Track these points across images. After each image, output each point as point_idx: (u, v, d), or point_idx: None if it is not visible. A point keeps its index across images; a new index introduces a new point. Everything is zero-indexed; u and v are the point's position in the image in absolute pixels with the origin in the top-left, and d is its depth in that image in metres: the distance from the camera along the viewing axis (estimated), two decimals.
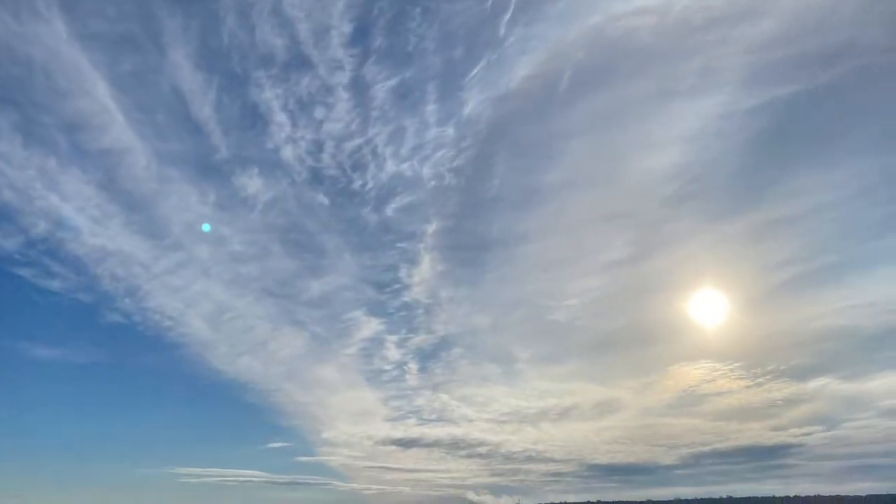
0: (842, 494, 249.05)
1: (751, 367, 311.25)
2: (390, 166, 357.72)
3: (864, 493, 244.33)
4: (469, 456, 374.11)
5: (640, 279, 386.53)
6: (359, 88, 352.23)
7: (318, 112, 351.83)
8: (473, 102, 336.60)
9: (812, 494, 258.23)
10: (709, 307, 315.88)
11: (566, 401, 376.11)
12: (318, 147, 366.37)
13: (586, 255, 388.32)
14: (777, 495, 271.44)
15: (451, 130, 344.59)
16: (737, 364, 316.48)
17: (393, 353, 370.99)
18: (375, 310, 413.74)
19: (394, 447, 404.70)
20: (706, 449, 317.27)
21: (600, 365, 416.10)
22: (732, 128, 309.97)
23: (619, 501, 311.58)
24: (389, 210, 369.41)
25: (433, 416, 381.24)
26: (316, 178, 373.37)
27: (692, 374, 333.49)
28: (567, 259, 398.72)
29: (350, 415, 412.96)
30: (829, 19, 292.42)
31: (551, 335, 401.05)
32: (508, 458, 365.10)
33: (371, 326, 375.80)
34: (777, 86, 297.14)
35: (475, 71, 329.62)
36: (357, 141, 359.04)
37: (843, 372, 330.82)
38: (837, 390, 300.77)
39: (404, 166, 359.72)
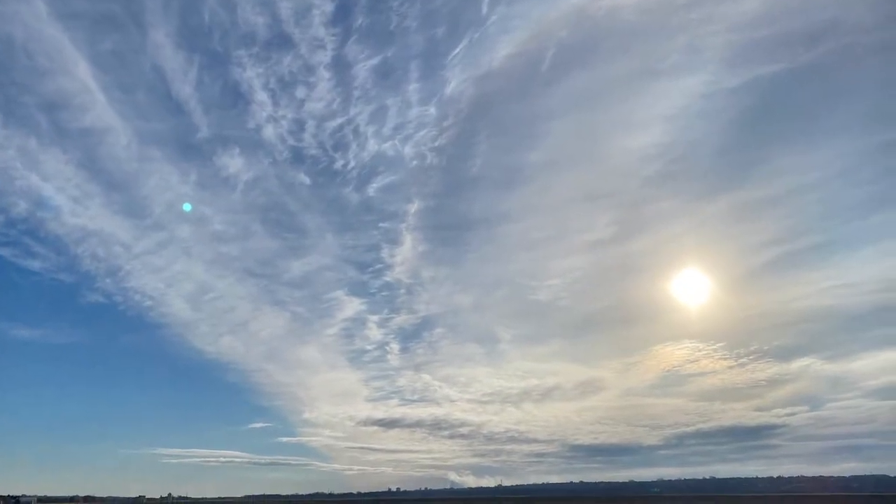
0: (826, 475, 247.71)
1: (734, 348, 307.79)
2: (372, 146, 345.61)
3: (848, 474, 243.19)
4: (451, 437, 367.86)
5: (623, 259, 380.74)
6: (340, 67, 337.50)
7: (300, 91, 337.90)
8: (455, 81, 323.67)
9: (796, 475, 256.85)
10: (692, 287, 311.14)
11: (549, 381, 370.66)
12: (299, 126, 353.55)
13: (569, 234, 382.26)
14: (760, 476, 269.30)
15: (433, 110, 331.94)
16: (720, 344, 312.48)
17: (374, 333, 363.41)
18: (357, 290, 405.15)
19: (375, 428, 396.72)
20: (689, 429, 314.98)
21: (583, 345, 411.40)
22: (715, 107, 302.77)
23: (602, 482, 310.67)
24: (371, 190, 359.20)
25: (415, 397, 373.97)
26: (297, 157, 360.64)
27: (675, 354, 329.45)
28: (549, 239, 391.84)
29: (331, 395, 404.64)
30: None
31: (534, 315, 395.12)
32: (490, 438, 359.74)
33: (352, 306, 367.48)
34: (760, 65, 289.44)
35: (457, 50, 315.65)
36: (338, 120, 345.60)
37: (827, 352, 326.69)
38: (821, 370, 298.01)
39: (386, 146, 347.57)
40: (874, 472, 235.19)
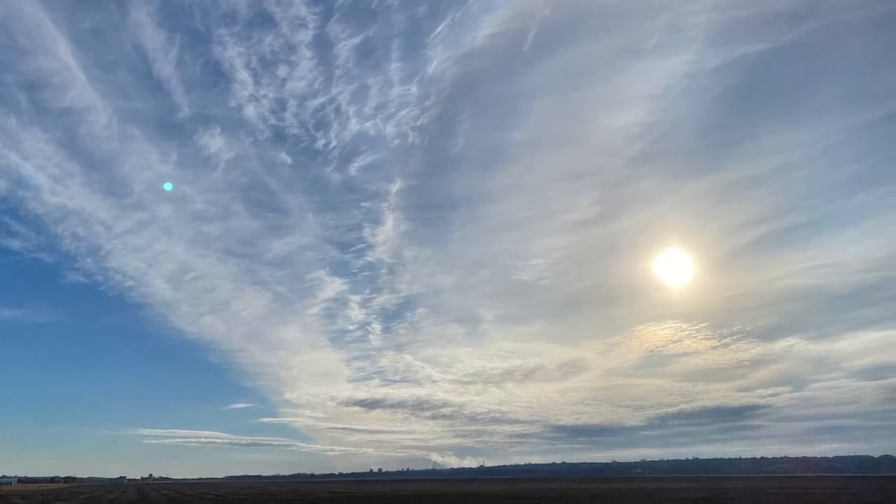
0: (809, 455, 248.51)
1: (717, 328, 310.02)
2: (354, 125, 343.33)
3: (831, 455, 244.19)
4: (433, 417, 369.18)
5: (606, 239, 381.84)
6: (322, 46, 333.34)
7: (281, 70, 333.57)
8: (438, 60, 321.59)
9: (779, 456, 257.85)
10: (675, 267, 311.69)
11: (531, 361, 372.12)
12: (280, 105, 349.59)
13: (552, 214, 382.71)
14: (744, 456, 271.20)
15: (414, 89, 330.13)
16: (703, 324, 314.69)
17: (356, 313, 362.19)
18: (339, 269, 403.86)
19: (357, 408, 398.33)
20: (672, 410, 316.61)
21: (566, 325, 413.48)
22: (699, 86, 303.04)
23: (585, 463, 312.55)
24: (353, 169, 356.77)
25: (397, 377, 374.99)
26: (279, 136, 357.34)
27: (658, 334, 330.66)
28: (532, 218, 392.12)
29: (313, 375, 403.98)
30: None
31: (516, 295, 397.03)
32: (472, 419, 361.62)
33: (334, 286, 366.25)
34: (744, 44, 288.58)
35: (439, 29, 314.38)
36: (320, 99, 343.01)
37: (811, 332, 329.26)
38: (805, 351, 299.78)
39: (368, 125, 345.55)
40: (857, 453, 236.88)
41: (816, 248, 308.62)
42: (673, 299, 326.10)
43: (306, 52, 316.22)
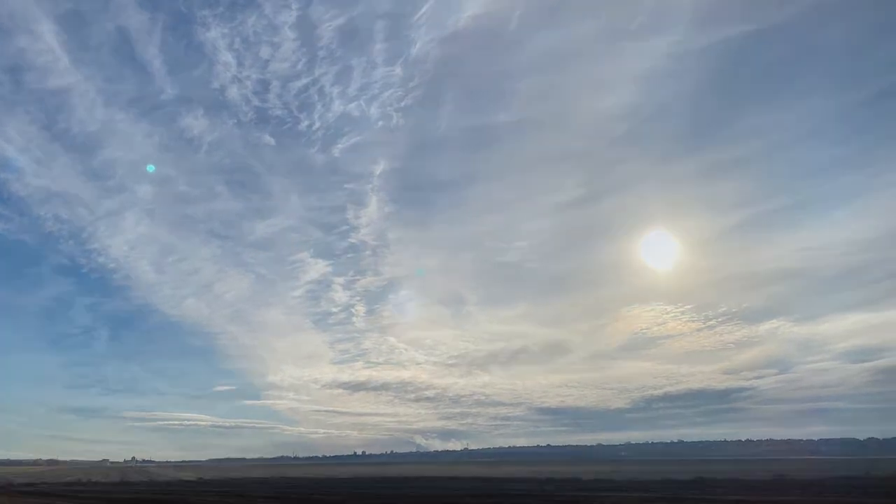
0: (794, 438, 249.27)
1: (702, 310, 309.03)
2: (337, 106, 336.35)
3: (816, 437, 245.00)
4: (417, 399, 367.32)
5: (591, 220, 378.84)
6: (305, 27, 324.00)
7: (264, 51, 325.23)
8: (421, 42, 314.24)
9: (765, 438, 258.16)
10: (660, 249, 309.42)
11: (515, 343, 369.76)
12: (263, 87, 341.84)
13: (537, 196, 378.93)
14: (729, 439, 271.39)
15: (398, 70, 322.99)
16: (688, 306, 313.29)
17: (340, 295, 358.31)
18: (322, 251, 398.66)
19: (341, 391, 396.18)
20: (657, 392, 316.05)
21: (550, 307, 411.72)
22: (684, 68, 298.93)
23: (569, 445, 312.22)
24: (336, 150, 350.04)
25: (381, 360, 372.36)
26: (262, 118, 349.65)
27: (643, 316, 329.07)
28: (517, 200, 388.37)
29: (296, 358, 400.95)
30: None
31: (501, 277, 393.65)
32: (456, 401, 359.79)
33: (318, 268, 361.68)
34: (728, 25, 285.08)
35: (423, 10, 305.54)
36: (303, 81, 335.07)
37: (796, 314, 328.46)
38: (790, 333, 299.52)
39: (351, 106, 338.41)
40: (843, 436, 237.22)
41: (802, 230, 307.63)
42: (658, 281, 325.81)
43: (289, 34, 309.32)
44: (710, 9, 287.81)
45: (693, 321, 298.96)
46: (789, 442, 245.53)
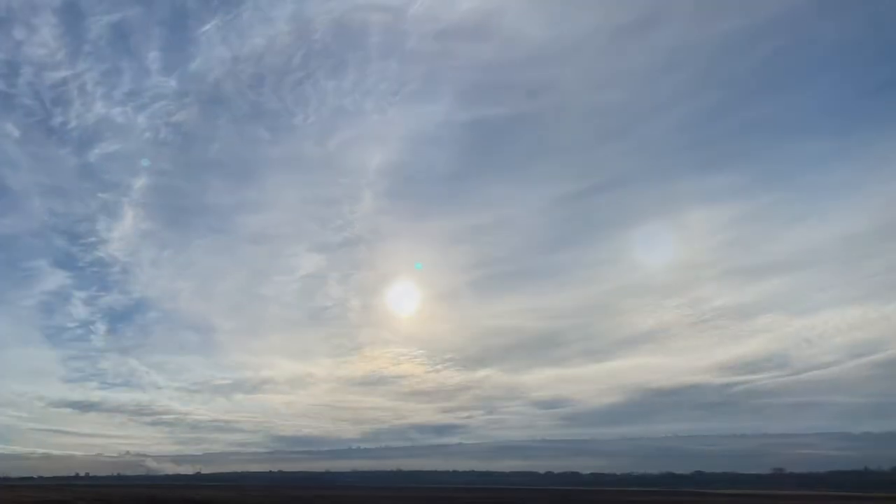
0: (493, 470, 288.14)
1: (432, 355, 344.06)
2: (99, 108, 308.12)
3: (508, 470, 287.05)
4: (154, 423, 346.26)
5: (349, 264, 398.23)
6: (71, 15, 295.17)
7: (18, 31, 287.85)
8: (203, 58, 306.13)
9: (469, 469, 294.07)
10: (405, 297, 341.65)
11: (263, 374, 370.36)
12: (12, 70, 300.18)
13: (301, 234, 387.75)
14: (440, 469, 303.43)
15: (173, 82, 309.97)
16: (421, 351, 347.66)
17: (79, 310, 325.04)
18: (63, 261, 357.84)
19: (69, 410, 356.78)
20: (385, 426, 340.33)
21: (301, 341, 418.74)
22: (447, 136, 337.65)
23: (301, 472, 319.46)
24: (93, 155, 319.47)
25: (118, 381, 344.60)
26: (6, 104, 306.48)
27: (383, 356, 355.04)
28: (281, 235, 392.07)
29: (20, 373, 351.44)
30: (538, 55, 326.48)
31: (256, 309, 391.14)
32: (195, 427, 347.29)
33: (56, 279, 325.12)
34: (488, 106, 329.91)
35: (208, 27, 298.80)
36: (62, 73, 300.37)
37: (506, 365, 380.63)
38: (499, 381, 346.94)
39: (116, 111, 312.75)
40: (530, 469, 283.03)
41: (519, 294, 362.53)
42: (400, 326, 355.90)
43: (51, 18, 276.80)
44: (472, 88, 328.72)
45: (423, 364, 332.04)
46: (488, 473, 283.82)
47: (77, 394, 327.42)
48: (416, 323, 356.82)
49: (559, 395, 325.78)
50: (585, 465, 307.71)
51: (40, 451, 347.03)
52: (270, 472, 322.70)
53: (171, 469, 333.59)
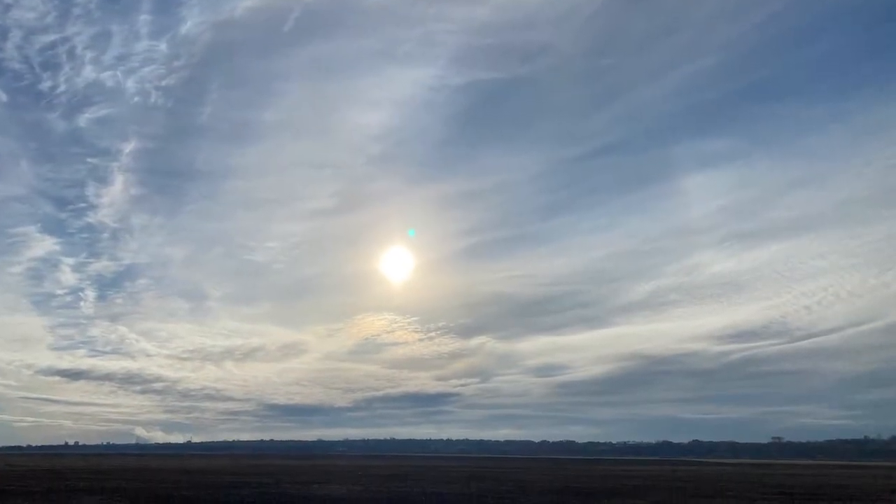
0: (486, 439, 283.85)
1: (425, 322, 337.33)
2: (89, 72, 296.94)
3: (503, 439, 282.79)
4: (143, 392, 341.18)
5: (341, 230, 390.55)
6: None
7: None
8: (193, 22, 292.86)
9: (462, 438, 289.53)
10: (397, 264, 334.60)
11: (253, 341, 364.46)
12: (0, 33, 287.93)
13: (293, 199, 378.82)
14: (433, 438, 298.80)
15: (163, 46, 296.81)
16: (414, 318, 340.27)
17: (68, 277, 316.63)
18: (52, 228, 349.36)
19: (58, 378, 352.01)
20: (378, 394, 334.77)
21: (292, 309, 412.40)
22: (440, 100, 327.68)
23: (292, 441, 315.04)
24: (82, 120, 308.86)
25: (108, 349, 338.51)
26: None
27: (375, 324, 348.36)
28: (273, 201, 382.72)
29: (8, 341, 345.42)
30: (534, 19, 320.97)
31: (247, 276, 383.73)
32: (185, 395, 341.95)
33: (44, 245, 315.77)
34: (482, 70, 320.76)
35: None
36: (51, 37, 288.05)
37: (500, 333, 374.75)
38: (493, 348, 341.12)
39: (105, 75, 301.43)
40: (524, 438, 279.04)
41: (514, 260, 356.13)
42: (392, 293, 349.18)
43: None
44: (467, 51, 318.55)
45: (417, 332, 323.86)
46: (481, 442, 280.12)
47: (66, 362, 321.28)
48: (410, 290, 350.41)
49: (554, 363, 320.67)
50: (581, 434, 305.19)
51: (28, 419, 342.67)
52: (261, 440, 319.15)
53: (161, 438, 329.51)
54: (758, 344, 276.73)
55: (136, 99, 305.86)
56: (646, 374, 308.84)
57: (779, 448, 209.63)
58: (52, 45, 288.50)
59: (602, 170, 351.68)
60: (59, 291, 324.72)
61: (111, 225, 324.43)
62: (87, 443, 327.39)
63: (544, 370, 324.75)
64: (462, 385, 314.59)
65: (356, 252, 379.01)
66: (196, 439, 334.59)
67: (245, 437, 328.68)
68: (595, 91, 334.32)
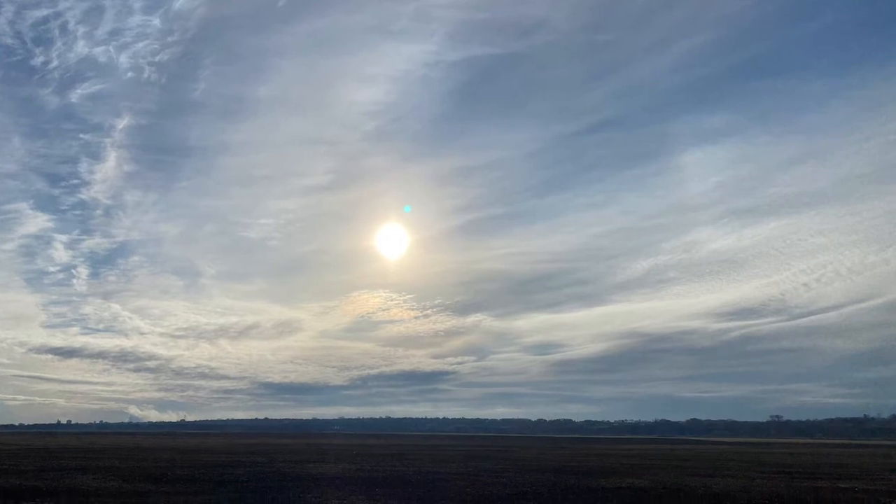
0: (482, 417, 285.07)
1: (421, 300, 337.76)
2: (81, 47, 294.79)
3: (499, 417, 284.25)
4: (137, 370, 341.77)
5: (336, 207, 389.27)
6: None
7: None
8: None
9: (458, 417, 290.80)
10: (392, 241, 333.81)
11: (248, 319, 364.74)
12: None
13: (287, 176, 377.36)
14: (429, 416, 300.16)
15: (157, 21, 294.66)
16: (410, 296, 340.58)
17: (61, 254, 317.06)
18: (45, 204, 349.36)
19: (50, 356, 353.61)
20: (373, 372, 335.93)
21: (287, 286, 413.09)
22: (436, 76, 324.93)
23: (287, 419, 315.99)
24: (74, 96, 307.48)
25: (100, 326, 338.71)
26: None
27: (370, 301, 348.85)
28: (267, 177, 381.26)
29: (0, 318, 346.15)
30: None
31: (241, 252, 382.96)
32: (179, 373, 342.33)
33: (37, 222, 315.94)
34: (478, 45, 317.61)
35: None
36: (43, 11, 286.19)
37: (497, 310, 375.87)
38: (490, 326, 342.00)
39: (98, 50, 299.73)
40: (521, 416, 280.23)
41: (510, 238, 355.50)
42: (387, 270, 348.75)
43: None
44: (464, 27, 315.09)
45: (413, 309, 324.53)
46: (478, 420, 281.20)
47: (58, 339, 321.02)
48: (405, 267, 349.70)
49: (551, 341, 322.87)
50: (578, 413, 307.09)
51: (21, 398, 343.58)
52: (256, 418, 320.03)
53: (154, 416, 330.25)
54: (756, 322, 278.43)
55: (129, 74, 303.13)
56: (644, 352, 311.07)
57: (777, 427, 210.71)
58: (45, 20, 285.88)
59: (599, 146, 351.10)
60: (52, 269, 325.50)
61: (104, 201, 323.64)
62: (80, 421, 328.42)
63: (541, 348, 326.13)
64: (458, 363, 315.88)
65: (351, 229, 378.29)
66: (190, 418, 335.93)
67: (239, 415, 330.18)
68: (592, 66, 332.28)
